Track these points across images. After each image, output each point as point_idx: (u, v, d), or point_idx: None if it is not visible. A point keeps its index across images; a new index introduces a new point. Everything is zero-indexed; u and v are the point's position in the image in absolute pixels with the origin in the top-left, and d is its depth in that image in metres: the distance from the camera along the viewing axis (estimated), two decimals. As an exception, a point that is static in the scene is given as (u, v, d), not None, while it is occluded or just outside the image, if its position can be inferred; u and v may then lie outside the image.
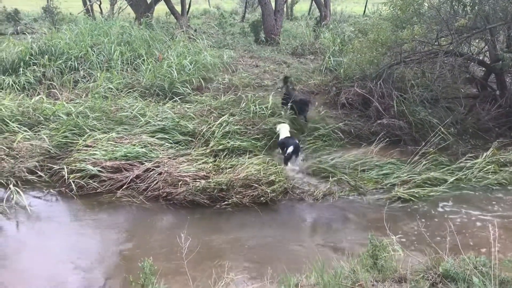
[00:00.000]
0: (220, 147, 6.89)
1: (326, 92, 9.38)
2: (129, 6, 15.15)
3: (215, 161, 6.59)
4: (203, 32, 14.19)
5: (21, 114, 7.51)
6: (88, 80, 9.11)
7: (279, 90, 9.35)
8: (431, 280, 3.56)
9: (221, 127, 7.25)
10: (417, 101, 8.13)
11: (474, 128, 8.04)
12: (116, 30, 11.20)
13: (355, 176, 6.55)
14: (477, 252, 3.99)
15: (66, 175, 6.13)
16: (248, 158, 6.62)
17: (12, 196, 5.79)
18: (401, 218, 5.65)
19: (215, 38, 13.68)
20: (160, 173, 6.18)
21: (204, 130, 7.18)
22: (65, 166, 6.27)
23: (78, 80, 9.17)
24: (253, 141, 7.22)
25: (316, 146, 7.42)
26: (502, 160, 6.92)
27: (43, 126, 7.27)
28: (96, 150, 6.54)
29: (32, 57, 9.65)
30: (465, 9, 8.01)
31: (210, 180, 6.04)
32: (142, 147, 6.68)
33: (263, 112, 7.87)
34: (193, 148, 6.93)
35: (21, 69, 9.24)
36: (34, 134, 7.02)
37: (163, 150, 6.76)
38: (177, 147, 6.95)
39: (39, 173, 6.30)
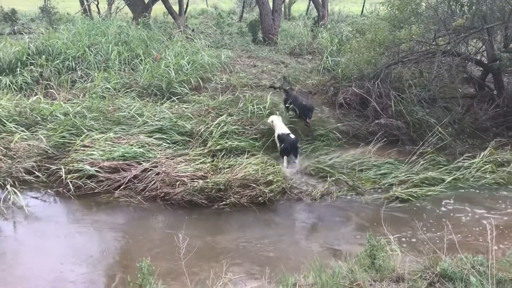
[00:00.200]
0: (218, 147, 6.88)
1: (324, 92, 9.38)
2: (126, 6, 15.13)
3: (213, 161, 6.59)
4: (201, 32, 14.17)
5: (19, 114, 7.49)
6: (86, 80, 9.09)
7: (277, 90, 9.34)
8: (428, 279, 3.57)
9: (219, 127, 7.25)
10: (414, 101, 8.14)
11: (472, 128, 8.06)
12: (113, 30, 11.18)
13: (353, 176, 6.56)
14: (474, 251, 3.99)
15: (63, 175, 6.12)
16: (246, 158, 6.61)
17: (9, 196, 5.78)
18: (399, 217, 5.66)
19: (213, 38, 13.66)
20: (158, 173, 6.18)
21: (202, 130, 7.18)
22: (62, 166, 6.26)
23: (75, 80, 9.14)
24: (251, 141, 7.22)
25: (314, 146, 7.43)
26: (499, 159, 6.94)
27: (41, 126, 7.25)
28: (93, 150, 6.53)
29: (29, 57, 9.63)
30: (463, 9, 8.04)
31: (208, 180, 6.04)
32: (139, 147, 6.67)
33: (261, 112, 7.87)
34: (191, 148, 6.93)
35: (18, 69, 9.21)
36: (32, 134, 7.00)
37: (160, 150, 6.75)
38: (175, 147, 6.95)
39: (37, 173, 6.29)
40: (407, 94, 8.19)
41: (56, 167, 6.33)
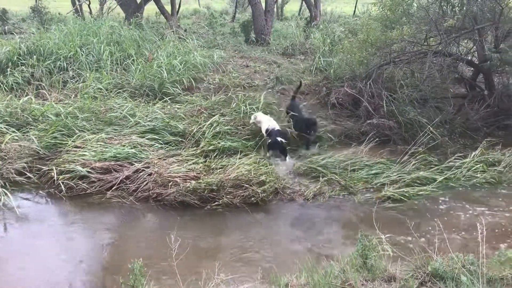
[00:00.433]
0: (211, 147, 6.87)
1: (317, 92, 9.39)
2: (118, 6, 15.06)
3: (205, 161, 6.59)
4: (193, 32, 14.14)
5: (9, 115, 7.42)
6: (77, 80, 9.04)
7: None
8: (420, 279, 3.59)
9: (212, 128, 7.24)
10: (406, 101, 8.18)
11: (463, 128, 8.12)
12: (105, 30, 11.11)
13: (345, 176, 6.57)
14: (465, 250, 4.02)
15: (55, 176, 6.08)
16: (239, 158, 6.61)
17: (0, 197, 5.73)
18: (390, 217, 5.68)
19: (205, 38, 13.63)
20: (150, 174, 6.16)
21: (194, 131, 7.17)
22: (54, 167, 6.22)
23: (67, 80, 9.09)
24: (243, 142, 7.21)
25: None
26: (490, 159, 6.98)
27: (32, 127, 7.20)
28: (85, 151, 6.50)
29: (20, 57, 9.55)
30: (454, 9, 8.10)
31: (201, 180, 6.02)
32: (132, 148, 6.65)
33: (254, 112, 7.87)
34: (183, 149, 6.92)
35: (9, 69, 9.13)
36: (23, 135, 6.94)
37: (153, 151, 6.74)
38: (167, 147, 6.93)
39: (28, 174, 6.25)
40: (399, 94, 8.22)
41: (47, 168, 6.29)
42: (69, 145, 6.67)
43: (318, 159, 6.94)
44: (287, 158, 6.99)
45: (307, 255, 4.57)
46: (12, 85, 8.73)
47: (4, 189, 5.83)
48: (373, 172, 6.69)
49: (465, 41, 9.08)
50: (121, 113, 7.57)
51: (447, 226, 5.39)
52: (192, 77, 9.42)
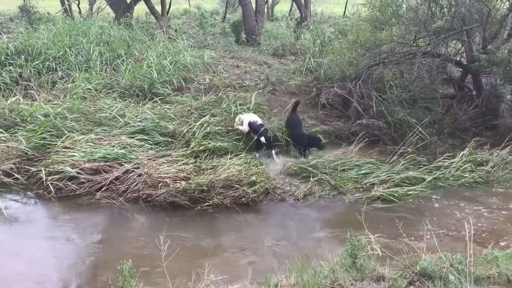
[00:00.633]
0: (201, 148, 6.86)
1: (307, 92, 9.42)
2: (108, 6, 14.97)
3: (196, 162, 6.57)
4: (184, 32, 14.09)
5: (-3, 115, 7.35)
6: (67, 80, 8.95)
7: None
8: (408, 278, 3.62)
9: (202, 128, 7.23)
10: (395, 102, 8.24)
11: (452, 128, 8.20)
12: (95, 30, 11.04)
13: (335, 176, 6.61)
14: (453, 250, 4.06)
15: (44, 177, 6.03)
16: (229, 158, 6.61)
17: (-13, 199, 5.68)
18: (380, 217, 5.72)
19: (196, 38, 13.59)
20: (139, 175, 6.14)
21: (184, 131, 7.15)
22: (43, 168, 6.16)
23: (56, 81, 8.99)
24: (234, 142, 7.21)
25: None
26: (478, 159, 7.07)
27: (20, 128, 7.12)
28: (74, 152, 6.44)
29: (8, 57, 9.43)
30: (442, 10, 8.17)
31: (191, 181, 6.01)
32: (121, 148, 6.61)
33: (245, 113, 7.86)
34: (173, 149, 6.90)
35: (-4, 69, 9.04)
36: (11, 136, 6.86)
37: (142, 151, 6.71)
38: (157, 148, 6.90)
39: (16, 175, 6.18)
40: (388, 94, 8.29)
41: (36, 169, 6.23)
42: (58, 145, 6.61)
43: (309, 159, 6.97)
44: (273, 153, 7.00)
45: (297, 255, 4.57)
46: (0, 85, 8.64)
47: (-9, 191, 5.78)
48: (362, 172, 6.73)
49: (454, 42, 9.18)
50: (110, 114, 7.52)
51: (436, 225, 5.45)
52: (182, 78, 9.39)
